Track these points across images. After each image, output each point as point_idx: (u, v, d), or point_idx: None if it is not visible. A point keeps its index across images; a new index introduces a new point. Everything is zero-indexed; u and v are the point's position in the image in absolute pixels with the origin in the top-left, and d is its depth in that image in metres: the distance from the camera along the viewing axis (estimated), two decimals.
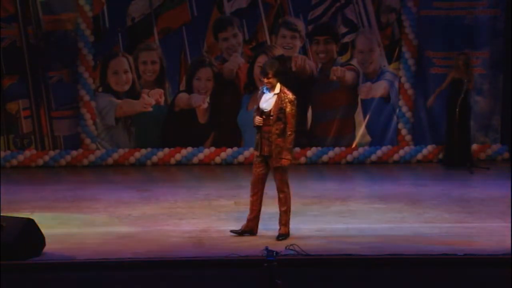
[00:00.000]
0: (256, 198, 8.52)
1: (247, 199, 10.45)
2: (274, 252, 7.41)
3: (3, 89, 12.76)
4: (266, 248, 7.49)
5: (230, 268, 7.44)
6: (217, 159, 13.12)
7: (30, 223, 7.76)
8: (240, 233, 8.52)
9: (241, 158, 13.14)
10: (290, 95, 8.36)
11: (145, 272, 7.42)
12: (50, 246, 7.80)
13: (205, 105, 13.06)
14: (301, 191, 10.82)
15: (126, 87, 13.01)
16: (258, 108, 8.49)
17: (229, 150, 13.14)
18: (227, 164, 13.07)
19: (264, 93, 8.45)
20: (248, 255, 7.56)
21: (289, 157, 8.37)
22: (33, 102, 12.80)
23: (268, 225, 8.99)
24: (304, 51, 13.13)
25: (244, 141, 13.16)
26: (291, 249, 7.62)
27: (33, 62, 12.73)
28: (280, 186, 8.45)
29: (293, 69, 13.10)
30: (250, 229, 8.54)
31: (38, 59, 12.72)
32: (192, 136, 13.12)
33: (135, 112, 13.04)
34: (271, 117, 8.36)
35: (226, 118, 13.14)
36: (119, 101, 12.99)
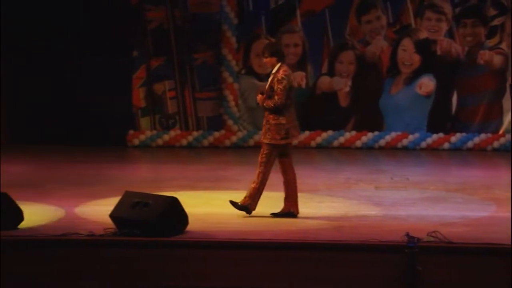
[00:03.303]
0: (285, 180, 8.54)
1: (388, 183, 10.39)
2: (416, 239, 7.30)
3: (151, 70, 13.11)
4: (407, 234, 7.39)
5: (370, 253, 7.37)
6: (358, 143, 13.03)
7: (174, 201, 7.93)
8: (278, 215, 8.47)
9: (382, 142, 13.01)
10: (279, 74, 8.36)
11: (284, 253, 7.46)
12: (192, 225, 7.95)
13: (347, 89, 12.99)
14: (444, 178, 10.61)
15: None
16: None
17: (370, 134, 13.03)
18: (368, 148, 12.97)
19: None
20: (389, 241, 7.47)
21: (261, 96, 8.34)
22: (178, 83, 13.09)
23: (410, 211, 8.86)
24: (450, 34, 12.82)
25: (386, 125, 13.01)
26: (433, 236, 7.48)
27: (179, 44, 13.01)
28: (259, 161, 8.46)
29: (438, 52, 12.84)
30: (287, 210, 8.51)
31: (184, 41, 12.99)
32: (333, 119, 13.08)
33: None
34: (266, 96, 8.41)
35: (368, 102, 13.04)
36: (262, 83, 13.09)
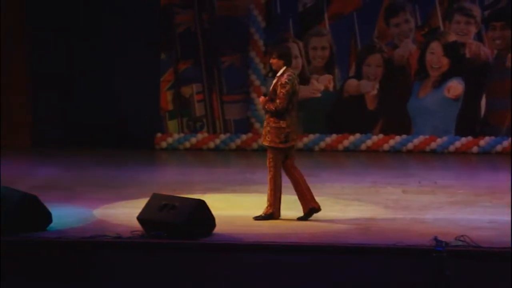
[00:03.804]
0: (292, 182, 8.56)
1: (416, 187, 10.34)
2: (444, 243, 7.26)
3: (178, 73, 13.16)
4: (435, 238, 7.35)
5: (397, 257, 7.34)
6: (385, 146, 12.99)
7: (201, 204, 7.94)
8: (304, 218, 8.50)
9: (410, 145, 12.95)
10: (283, 78, 8.39)
11: (309, 257, 7.45)
12: (219, 227, 7.96)
13: (375, 92, 12.95)
14: (472, 181, 10.54)
15: (296, 73, 13.06)
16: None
17: (397, 138, 12.98)
18: (396, 152, 12.91)
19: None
20: (416, 245, 7.44)
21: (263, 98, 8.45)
22: (206, 86, 13.13)
23: (438, 215, 8.81)
24: (479, 37, 12.74)
25: (413, 128, 12.95)
26: (462, 240, 7.43)
27: (207, 47, 13.04)
28: (268, 166, 8.52)
29: (467, 55, 12.76)
30: (307, 210, 8.56)
31: (211, 44, 13.03)
32: (360, 122, 13.04)
33: (304, 98, 13.08)
34: (268, 99, 8.46)
35: (396, 105, 12.99)
36: None
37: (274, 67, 8.55)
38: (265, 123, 8.55)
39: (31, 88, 13.13)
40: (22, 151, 12.71)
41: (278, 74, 8.46)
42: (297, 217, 8.56)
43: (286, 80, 8.39)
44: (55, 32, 12.98)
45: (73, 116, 13.08)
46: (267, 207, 8.56)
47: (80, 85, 13.06)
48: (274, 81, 8.50)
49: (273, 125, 8.45)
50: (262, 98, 8.54)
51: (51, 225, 8.02)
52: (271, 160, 8.51)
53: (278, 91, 8.40)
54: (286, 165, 8.57)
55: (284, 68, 8.44)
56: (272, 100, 8.43)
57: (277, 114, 8.42)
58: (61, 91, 13.11)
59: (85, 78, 13.04)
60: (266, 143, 8.53)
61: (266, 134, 8.51)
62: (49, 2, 12.98)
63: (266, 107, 8.47)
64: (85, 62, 12.98)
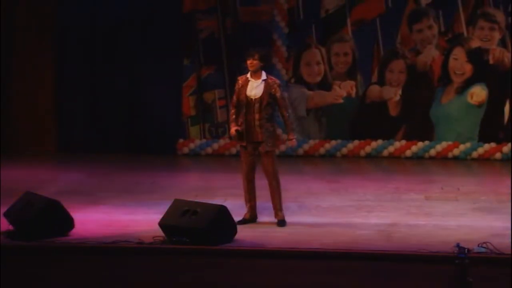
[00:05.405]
0: (253, 186, 8.71)
1: (438, 193, 10.29)
2: (466, 249, 7.22)
3: (201, 79, 13.19)
4: (458, 245, 7.31)
5: (419, 263, 7.32)
6: (408, 153, 12.94)
7: (223, 210, 7.96)
8: (244, 222, 8.53)
9: (432, 152, 12.89)
10: (277, 80, 8.58)
11: (332, 263, 7.44)
12: (240, 234, 7.97)
13: (397, 98, 12.92)
14: (496, 188, 10.47)
15: (318, 79, 13.09)
16: (237, 98, 8.60)
17: (420, 144, 12.93)
18: (418, 158, 12.86)
19: (249, 81, 8.53)
20: (439, 251, 7.41)
21: (293, 137, 8.62)
22: (228, 92, 13.15)
23: (460, 222, 8.76)
24: (503, 43, 12.67)
25: (436, 135, 12.90)
26: (484, 247, 7.39)
27: (229, 53, 13.07)
28: (272, 172, 8.57)
29: (491, 62, 12.70)
30: (253, 217, 8.66)
31: (234, 50, 13.05)
32: (382, 128, 13.01)
33: (326, 104, 13.09)
34: (261, 103, 8.44)
35: (418, 111, 12.94)
36: (311, 92, 13.09)
37: (252, 68, 8.53)
38: (261, 130, 8.50)
39: (56, 94, 13.21)
40: (47, 157, 12.80)
41: (263, 77, 8.49)
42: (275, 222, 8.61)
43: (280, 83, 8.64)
44: (81, 38, 13.05)
45: (97, 122, 13.14)
46: (282, 212, 8.62)
47: (104, 91, 13.12)
48: (262, 85, 8.49)
49: (271, 129, 8.56)
50: (233, 111, 8.57)
51: (73, 230, 8.06)
52: (272, 164, 8.57)
53: (278, 95, 8.47)
54: (254, 166, 8.64)
55: (262, 71, 8.52)
56: (269, 103, 8.47)
57: (274, 118, 8.54)
58: (86, 97, 13.18)
59: (109, 84, 13.10)
60: (269, 148, 8.56)
61: (266, 140, 8.53)
62: (76, 9, 13.05)
63: (285, 116, 8.50)
64: (109, 68, 13.04)
